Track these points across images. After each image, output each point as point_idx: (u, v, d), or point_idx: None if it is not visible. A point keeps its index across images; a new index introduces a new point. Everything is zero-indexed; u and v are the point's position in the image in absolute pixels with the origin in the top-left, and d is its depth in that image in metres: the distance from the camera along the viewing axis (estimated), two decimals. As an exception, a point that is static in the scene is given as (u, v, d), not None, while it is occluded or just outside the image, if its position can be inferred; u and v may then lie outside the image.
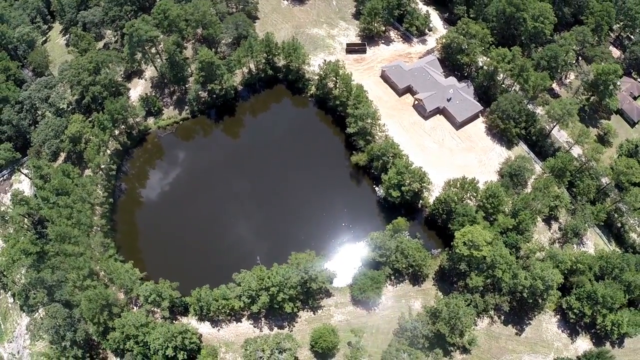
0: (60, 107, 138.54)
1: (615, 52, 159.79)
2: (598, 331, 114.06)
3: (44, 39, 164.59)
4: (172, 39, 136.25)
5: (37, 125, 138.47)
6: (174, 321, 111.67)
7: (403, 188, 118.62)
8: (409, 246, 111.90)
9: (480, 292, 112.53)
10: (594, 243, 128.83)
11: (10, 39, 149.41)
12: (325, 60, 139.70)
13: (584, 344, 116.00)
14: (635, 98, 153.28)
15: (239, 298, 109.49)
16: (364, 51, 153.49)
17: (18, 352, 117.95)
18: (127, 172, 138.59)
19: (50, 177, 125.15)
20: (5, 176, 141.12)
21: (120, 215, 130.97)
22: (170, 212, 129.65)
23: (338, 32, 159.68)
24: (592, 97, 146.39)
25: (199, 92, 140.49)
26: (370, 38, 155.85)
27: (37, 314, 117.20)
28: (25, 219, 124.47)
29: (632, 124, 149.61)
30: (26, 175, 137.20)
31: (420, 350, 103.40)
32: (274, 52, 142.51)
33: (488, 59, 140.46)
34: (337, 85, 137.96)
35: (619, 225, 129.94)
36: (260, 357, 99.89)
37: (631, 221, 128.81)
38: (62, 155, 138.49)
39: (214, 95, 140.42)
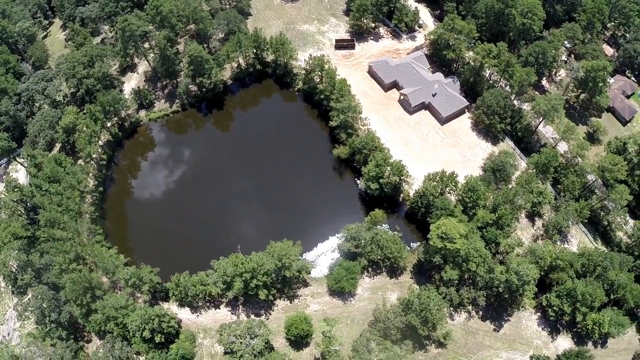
0: (56, 99, 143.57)
1: (609, 50, 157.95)
2: (579, 330, 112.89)
3: (44, 33, 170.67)
4: (163, 33, 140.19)
5: (33, 116, 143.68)
6: (154, 306, 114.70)
7: (381, 181, 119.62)
8: (385, 238, 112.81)
9: (456, 286, 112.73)
10: (579, 241, 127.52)
11: (11, 33, 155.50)
12: (310, 55, 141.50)
13: (564, 342, 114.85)
14: (628, 96, 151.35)
15: (215, 284, 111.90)
16: (352, 47, 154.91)
17: (8, 334, 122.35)
18: (117, 162, 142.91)
19: (44, 166, 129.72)
20: (2, 165, 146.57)
21: (109, 204, 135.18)
22: (157, 202, 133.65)
23: (328, 28, 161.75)
24: (583, 95, 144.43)
25: (189, 86, 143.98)
26: (359, 34, 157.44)
27: (25, 296, 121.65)
28: (19, 205, 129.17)
29: (624, 122, 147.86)
30: (22, 164, 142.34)
31: (390, 341, 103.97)
32: (262, 47, 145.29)
33: (474, 55, 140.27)
34: (322, 80, 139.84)
35: (605, 223, 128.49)
36: (233, 342, 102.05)
37: (617, 219, 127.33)
38: (57, 145, 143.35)
39: (204, 89, 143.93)
